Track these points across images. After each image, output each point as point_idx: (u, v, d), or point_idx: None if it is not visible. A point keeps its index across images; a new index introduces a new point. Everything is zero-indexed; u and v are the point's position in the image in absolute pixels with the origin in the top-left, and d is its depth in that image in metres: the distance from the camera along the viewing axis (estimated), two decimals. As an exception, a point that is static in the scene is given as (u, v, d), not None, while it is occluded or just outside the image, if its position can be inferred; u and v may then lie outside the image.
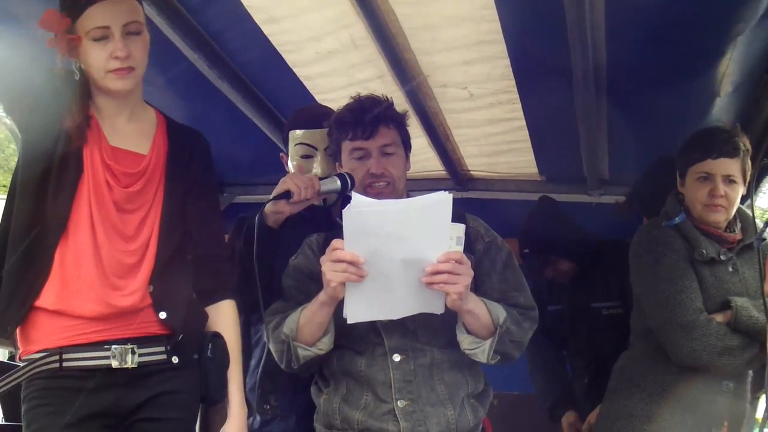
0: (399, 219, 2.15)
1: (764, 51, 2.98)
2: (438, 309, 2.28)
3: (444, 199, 2.16)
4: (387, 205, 2.19)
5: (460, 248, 2.24)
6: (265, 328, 2.49)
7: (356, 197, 2.20)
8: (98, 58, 2.16)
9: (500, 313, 2.35)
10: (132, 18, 2.18)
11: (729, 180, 2.89)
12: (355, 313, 2.25)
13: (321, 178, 2.56)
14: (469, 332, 2.35)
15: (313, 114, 2.88)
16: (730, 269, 2.90)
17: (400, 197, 2.48)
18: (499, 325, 2.33)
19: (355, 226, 2.16)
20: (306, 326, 2.35)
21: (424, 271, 2.18)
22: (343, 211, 2.16)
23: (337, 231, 2.26)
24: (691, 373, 2.84)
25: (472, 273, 2.25)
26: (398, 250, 2.16)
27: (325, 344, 2.37)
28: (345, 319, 2.26)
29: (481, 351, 2.35)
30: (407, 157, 2.60)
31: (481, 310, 2.33)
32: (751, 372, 2.94)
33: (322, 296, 2.29)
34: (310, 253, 2.52)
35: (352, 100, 2.59)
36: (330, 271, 2.21)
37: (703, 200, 2.90)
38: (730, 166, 2.88)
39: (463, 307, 2.28)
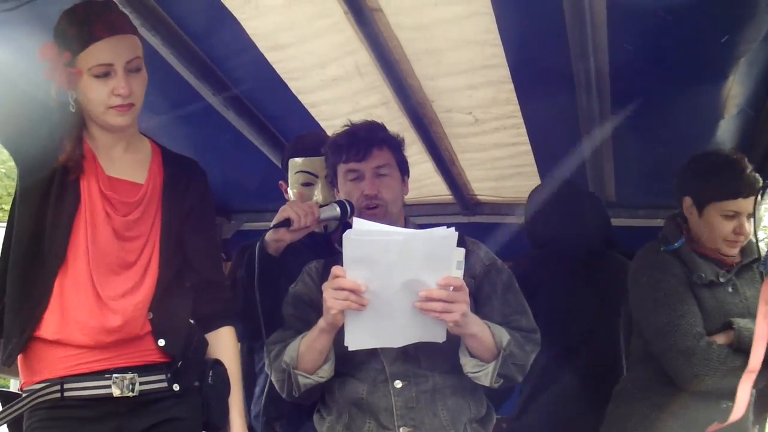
0: (401, 250, 2.13)
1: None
2: (439, 338, 2.26)
3: (449, 236, 2.14)
4: (389, 235, 2.16)
5: (461, 272, 2.22)
6: (266, 357, 2.48)
7: (357, 222, 2.19)
8: (100, 94, 2.15)
9: (504, 335, 2.34)
10: (134, 54, 2.18)
11: (749, 216, 2.86)
12: (356, 340, 2.24)
13: (321, 206, 2.56)
14: (472, 355, 2.34)
15: (313, 142, 2.87)
16: (730, 290, 2.87)
17: (395, 222, 2.47)
18: (503, 348, 2.32)
19: (355, 252, 2.14)
20: (306, 354, 2.34)
21: None
22: (343, 236, 2.15)
23: (336, 257, 2.24)
24: (689, 395, 2.80)
25: (468, 300, 2.23)
26: (398, 280, 2.15)
27: (325, 372, 2.36)
28: (346, 347, 2.25)
29: (484, 374, 2.34)
30: (404, 180, 2.58)
31: (484, 334, 2.31)
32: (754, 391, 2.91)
33: (322, 323, 2.28)
34: (309, 280, 2.52)
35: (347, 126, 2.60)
36: (331, 298, 2.19)
37: (726, 236, 2.86)
38: (752, 202, 2.84)
39: (464, 332, 2.27)
